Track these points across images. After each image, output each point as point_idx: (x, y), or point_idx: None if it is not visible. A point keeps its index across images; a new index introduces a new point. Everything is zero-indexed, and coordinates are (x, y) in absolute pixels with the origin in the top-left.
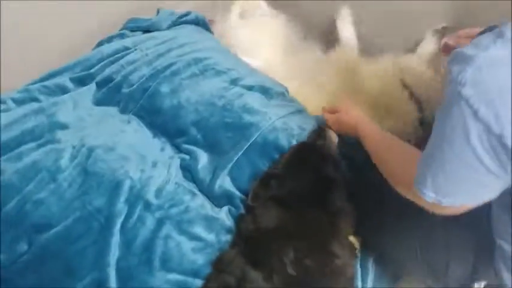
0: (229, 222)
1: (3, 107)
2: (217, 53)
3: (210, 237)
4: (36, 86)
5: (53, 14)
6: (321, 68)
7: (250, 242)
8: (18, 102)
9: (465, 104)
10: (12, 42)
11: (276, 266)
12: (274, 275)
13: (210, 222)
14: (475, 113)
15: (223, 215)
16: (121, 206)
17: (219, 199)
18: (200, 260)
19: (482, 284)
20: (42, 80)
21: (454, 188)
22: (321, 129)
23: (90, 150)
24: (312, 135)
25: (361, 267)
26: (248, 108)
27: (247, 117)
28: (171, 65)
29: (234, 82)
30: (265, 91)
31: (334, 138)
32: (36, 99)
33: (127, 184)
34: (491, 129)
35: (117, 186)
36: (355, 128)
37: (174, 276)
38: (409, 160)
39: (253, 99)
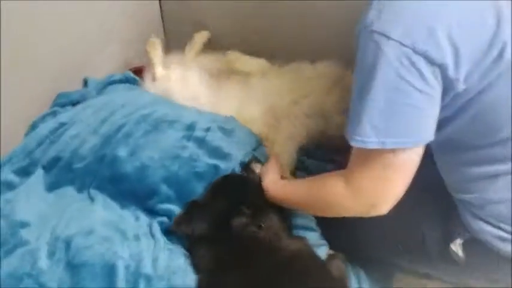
0: None
1: None
2: (160, 104)
3: None
4: None
5: None
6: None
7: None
8: None
9: (378, 34)
10: None
11: None
12: None
13: None
14: (388, 36)
15: None
16: None
17: None
18: None
19: (458, 242)
20: None
21: (393, 123)
22: (247, 163)
23: (67, 241)
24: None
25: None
26: (215, 152)
27: (216, 162)
28: (120, 127)
29: (190, 128)
30: (221, 129)
31: (257, 169)
32: None
33: (121, 265)
34: (404, 43)
35: (111, 270)
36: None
37: None
38: (321, 189)
39: (216, 140)
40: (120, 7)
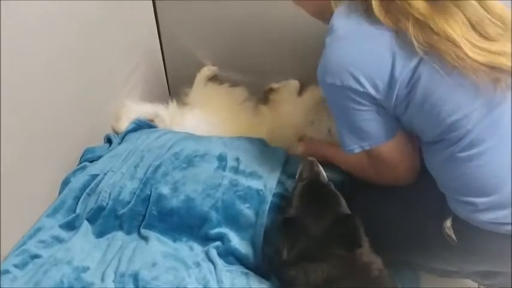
0: None
1: (10, 276)
2: (185, 141)
3: None
4: (32, 242)
5: None
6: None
7: None
8: (22, 266)
9: (321, 82)
10: None
11: None
12: None
13: None
14: (326, 82)
15: None
16: None
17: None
18: None
19: (448, 223)
20: (30, 236)
21: (361, 132)
22: (310, 163)
23: (134, 275)
24: (305, 171)
25: None
26: (251, 176)
27: (255, 184)
28: (156, 168)
29: (221, 159)
30: (249, 154)
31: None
32: (37, 256)
33: None
34: (337, 84)
35: None
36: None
37: None
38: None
39: (249, 168)
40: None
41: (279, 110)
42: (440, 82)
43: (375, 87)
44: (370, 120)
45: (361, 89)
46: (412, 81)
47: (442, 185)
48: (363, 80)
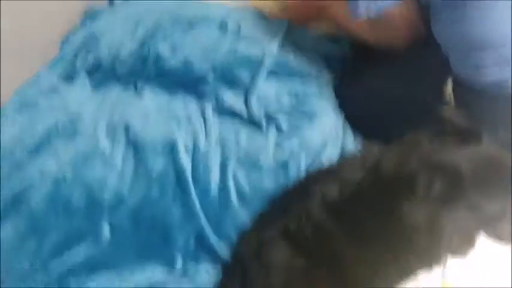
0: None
1: (9, 119)
2: (185, 4)
3: None
4: (31, 90)
5: None
6: None
7: None
8: (20, 110)
9: None
10: None
11: None
12: None
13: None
14: None
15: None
16: (184, 161)
17: (259, 119)
18: (269, 184)
19: (449, 86)
20: (29, 85)
21: None
22: None
23: (125, 124)
24: None
25: None
26: (252, 42)
27: (254, 50)
28: (156, 29)
29: (222, 26)
30: (250, 22)
31: None
32: (35, 103)
33: (180, 142)
34: None
35: (171, 146)
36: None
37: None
38: None
39: (249, 35)
40: None
41: None
42: None
43: None
44: None
45: None
46: None
47: (449, 42)
48: None
